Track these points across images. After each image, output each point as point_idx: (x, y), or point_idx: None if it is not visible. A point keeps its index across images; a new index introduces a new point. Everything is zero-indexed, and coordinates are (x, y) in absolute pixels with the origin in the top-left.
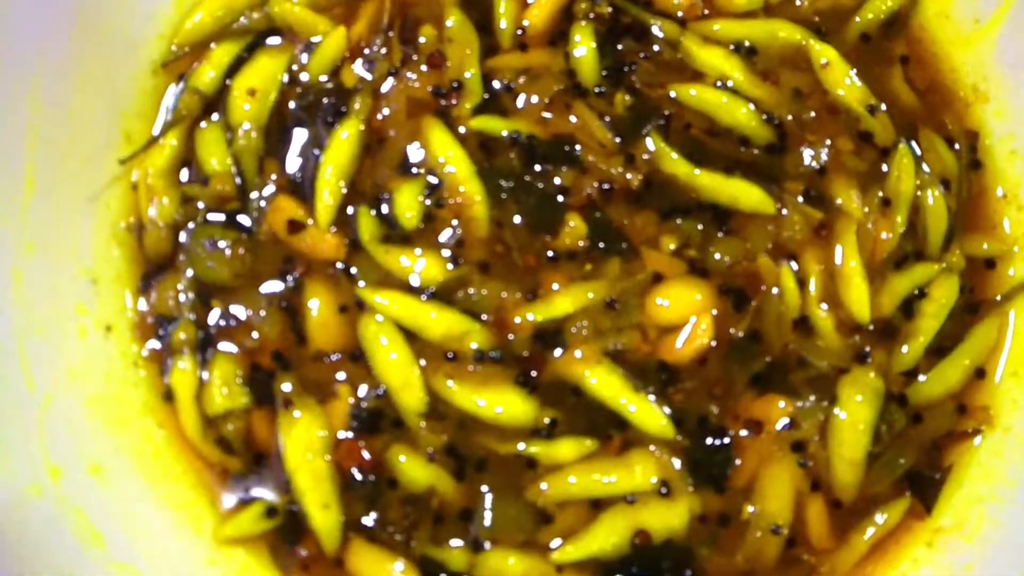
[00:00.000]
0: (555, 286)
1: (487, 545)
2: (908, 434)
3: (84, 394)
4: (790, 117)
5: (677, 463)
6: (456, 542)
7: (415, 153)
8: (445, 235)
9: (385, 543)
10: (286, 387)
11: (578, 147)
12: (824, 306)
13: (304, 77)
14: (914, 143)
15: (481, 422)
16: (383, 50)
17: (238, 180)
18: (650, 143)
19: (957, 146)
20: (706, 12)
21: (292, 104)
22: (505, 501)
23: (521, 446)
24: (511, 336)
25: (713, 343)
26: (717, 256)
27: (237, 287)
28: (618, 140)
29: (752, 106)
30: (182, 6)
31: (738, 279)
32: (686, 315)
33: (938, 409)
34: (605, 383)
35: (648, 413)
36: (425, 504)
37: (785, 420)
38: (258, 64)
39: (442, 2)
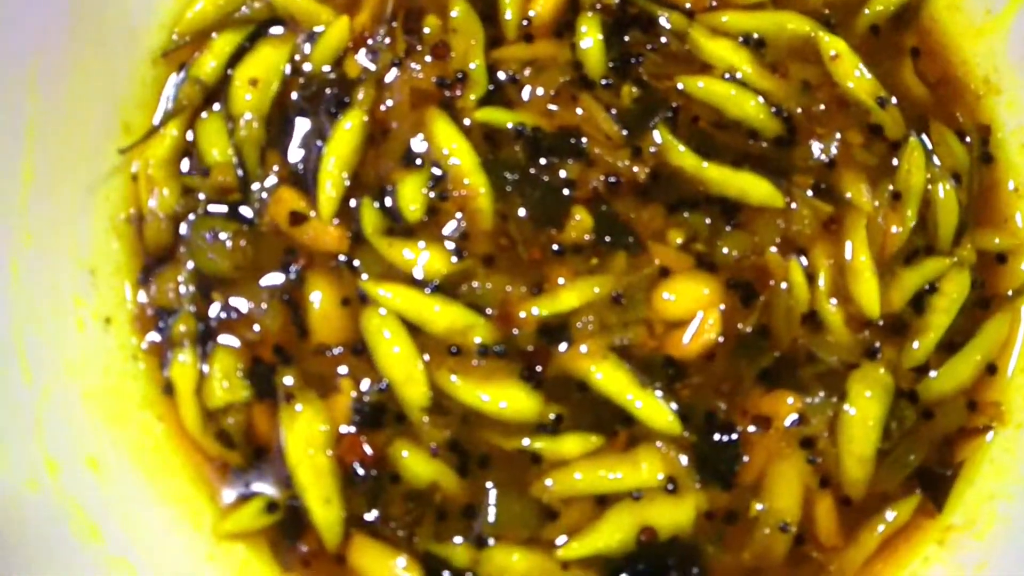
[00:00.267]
0: (560, 280)
1: (491, 541)
2: (918, 430)
3: (82, 387)
4: (799, 110)
5: (684, 459)
6: (459, 538)
7: (419, 145)
8: (449, 228)
9: (387, 539)
10: (288, 381)
11: (584, 139)
12: (833, 301)
13: (307, 67)
14: (925, 136)
15: (485, 417)
16: (387, 40)
17: (239, 171)
18: (657, 136)
19: (968, 139)
20: (714, 3)
21: (294, 94)
22: (509, 497)
23: (526, 441)
24: (516, 330)
25: (721, 338)
26: (725, 250)
27: (238, 279)
28: (625, 132)
29: (761, 98)
30: None
31: (746, 273)
32: (693, 310)
33: (949, 405)
34: (611, 378)
35: (655, 409)
36: (428, 500)
37: (794, 416)
38: (260, 54)
39: None
